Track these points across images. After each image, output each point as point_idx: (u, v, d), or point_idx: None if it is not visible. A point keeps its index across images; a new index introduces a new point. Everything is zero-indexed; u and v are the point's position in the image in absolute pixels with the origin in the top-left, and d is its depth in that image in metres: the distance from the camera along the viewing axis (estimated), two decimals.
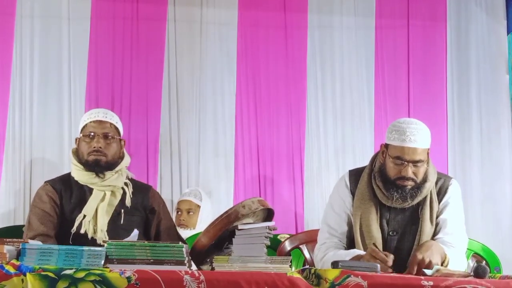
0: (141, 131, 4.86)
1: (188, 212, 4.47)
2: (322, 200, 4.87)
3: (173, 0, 5.01)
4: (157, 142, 4.87)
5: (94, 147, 3.32)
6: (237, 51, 5.06)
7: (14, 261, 2.42)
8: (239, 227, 2.73)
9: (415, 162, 3.14)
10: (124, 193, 3.37)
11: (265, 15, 5.10)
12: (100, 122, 3.38)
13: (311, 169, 4.99)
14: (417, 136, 3.14)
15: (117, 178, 3.36)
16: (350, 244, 3.25)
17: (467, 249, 3.40)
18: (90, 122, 3.38)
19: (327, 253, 3.17)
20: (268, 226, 2.77)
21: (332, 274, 2.51)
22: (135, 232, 3.02)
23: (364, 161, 3.65)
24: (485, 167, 5.08)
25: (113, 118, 3.45)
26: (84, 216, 3.25)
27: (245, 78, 5.04)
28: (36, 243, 2.67)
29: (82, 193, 3.34)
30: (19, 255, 2.47)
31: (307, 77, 5.08)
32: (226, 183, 4.90)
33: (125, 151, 3.48)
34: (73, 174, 3.39)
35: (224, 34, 5.07)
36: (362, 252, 3.09)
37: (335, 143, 5.03)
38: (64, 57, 4.86)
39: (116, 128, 3.43)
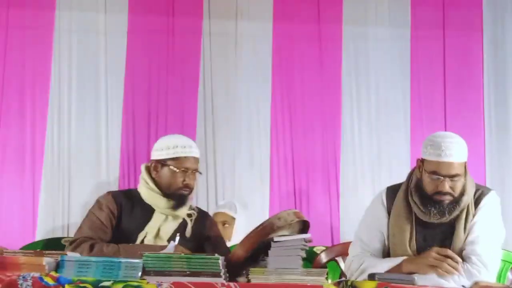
0: None
1: (224, 224, 4.47)
2: (357, 212, 4.79)
3: (208, 13, 5.05)
4: None
5: (187, 184, 3.40)
6: (272, 64, 5.07)
7: (53, 273, 2.45)
8: (275, 239, 2.73)
9: (452, 177, 3.10)
10: (185, 221, 3.43)
11: (300, 27, 5.10)
12: (195, 159, 3.47)
13: (346, 181, 4.96)
14: (453, 150, 3.10)
15: (183, 209, 3.43)
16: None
17: (505, 261, 3.35)
18: (186, 157, 3.43)
19: (364, 261, 3.14)
20: (304, 238, 2.77)
21: (368, 287, 2.49)
22: (172, 244, 3.04)
23: (400, 173, 3.63)
24: None
25: (196, 152, 3.52)
26: (147, 233, 3.32)
27: (280, 91, 5.05)
28: (74, 255, 2.70)
29: (144, 211, 3.39)
30: (58, 267, 2.50)
31: (342, 89, 5.06)
32: (261, 195, 4.90)
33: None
34: (140, 191, 3.45)
35: (259, 46, 5.08)
36: (403, 258, 3.06)
37: (371, 155, 5.00)
38: (101, 71, 4.92)
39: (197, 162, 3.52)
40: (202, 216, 3.55)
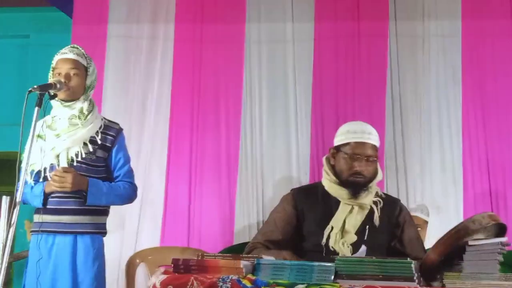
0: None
1: (416, 228, 4.40)
2: None
3: (394, 15, 5.01)
4: (382, 157, 4.86)
5: (356, 170, 3.25)
6: (462, 62, 4.93)
7: (250, 276, 2.55)
8: (470, 243, 2.66)
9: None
10: (372, 210, 3.29)
11: (491, 23, 4.93)
12: (364, 144, 3.28)
13: None
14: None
15: (367, 196, 3.29)
16: None
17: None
18: (356, 142, 3.28)
19: None
20: (501, 242, 2.67)
21: None
22: (363, 248, 3.04)
23: None
24: None
25: (375, 139, 3.33)
26: (332, 228, 3.22)
27: (471, 90, 4.90)
28: (269, 258, 2.79)
29: (329, 203, 3.31)
30: (255, 270, 2.60)
31: None
32: (454, 198, 4.77)
33: (379, 168, 3.37)
34: (324, 183, 3.36)
35: (448, 45, 4.97)
36: None
37: None
38: (290, 78, 5.05)
39: (376, 149, 3.33)
40: (390, 203, 3.38)
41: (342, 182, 3.29)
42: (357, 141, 3.28)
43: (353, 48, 5.03)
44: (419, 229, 4.37)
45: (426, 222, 4.43)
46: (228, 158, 4.97)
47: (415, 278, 2.51)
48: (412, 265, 2.52)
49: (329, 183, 3.34)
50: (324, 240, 3.20)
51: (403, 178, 4.83)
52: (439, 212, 4.65)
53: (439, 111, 4.90)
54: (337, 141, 3.35)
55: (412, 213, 4.44)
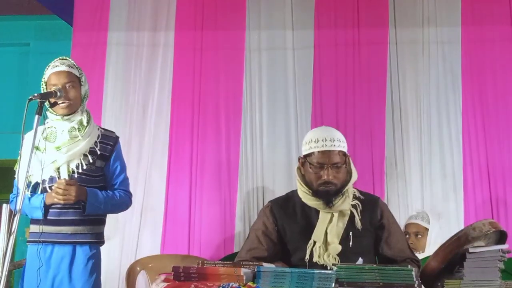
0: (366, 153, 4.88)
1: (416, 235, 4.40)
2: None
3: (394, 22, 5.02)
4: (382, 164, 4.87)
5: (324, 180, 3.16)
6: (462, 69, 4.94)
7: (250, 283, 2.55)
8: (470, 250, 2.66)
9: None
10: (353, 215, 3.21)
11: (490, 29, 4.94)
12: (329, 153, 3.18)
13: None
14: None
15: (344, 201, 3.20)
16: None
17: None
18: (319, 152, 3.19)
19: None
20: (502, 249, 2.67)
21: None
22: (360, 261, 3.02)
23: None
24: None
25: (340, 144, 3.21)
26: (314, 242, 3.15)
27: (471, 96, 4.90)
28: (270, 266, 2.78)
29: (308, 215, 3.24)
30: (255, 277, 2.60)
31: None
32: (455, 205, 4.76)
33: (352, 167, 3.27)
34: (299, 194, 3.28)
35: (448, 52, 4.97)
36: None
37: None
38: (290, 85, 5.05)
39: (344, 154, 3.23)
40: (370, 203, 3.29)
41: (314, 192, 3.21)
42: (321, 149, 3.19)
43: (353, 55, 5.03)
44: (419, 236, 4.38)
45: (427, 229, 4.41)
46: (229, 165, 4.97)
47: (416, 285, 2.51)
48: (413, 273, 2.52)
49: (303, 194, 3.27)
50: (307, 256, 3.15)
51: (403, 184, 4.83)
52: (439, 219, 4.64)
53: (439, 118, 4.90)
54: (304, 151, 3.28)
55: (413, 220, 4.45)
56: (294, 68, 5.05)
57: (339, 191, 3.20)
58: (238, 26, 5.11)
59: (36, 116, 3.04)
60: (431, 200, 4.79)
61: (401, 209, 4.76)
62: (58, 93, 3.31)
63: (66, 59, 3.53)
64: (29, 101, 3.06)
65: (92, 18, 5.23)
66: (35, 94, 3.13)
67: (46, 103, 3.27)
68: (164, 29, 5.17)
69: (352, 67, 5.02)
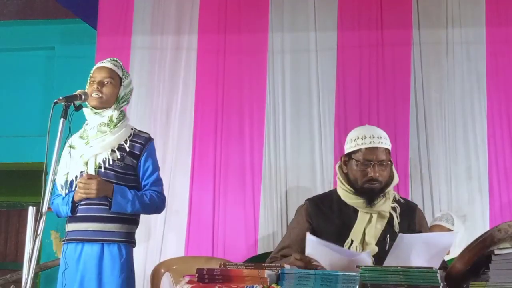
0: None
1: None
2: None
3: (418, 23, 5.00)
4: (407, 166, 4.84)
5: (371, 176, 3.16)
6: (487, 69, 4.90)
7: (274, 285, 2.54)
8: (496, 252, 2.63)
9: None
10: (392, 217, 3.21)
11: None
12: (375, 149, 3.19)
13: None
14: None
15: (385, 202, 3.20)
16: None
17: None
18: (366, 148, 3.19)
19: None
20: None
21: None
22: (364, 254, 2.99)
23: None
24: None
25: (386, 142, 3.23)
26: (352, 241, 3.14)
27: (497, 96, 4.87)
28: (293, 268, 2.78)
29: (346, 214, 3.22)
30: (279, 279, 2.60)
31: None
32: (480, 207, 4.73)
33: (394, 170, 3.27)
34: (339, 192, 3.28)
35: (472, 53, 4.94)
36: None
37: None
38: (313, 87, 5.04)
39: (389, 152, 3.23)
40: (409, 209, 3.29)
41: (357, 190, 3.20)
42: (368, 146, 3.20)
43: (377, 57, 5.02)
44: None
45: (452, 231, 4.39)
46: (252, 167, 4.98)
47: (440, 287, 2.49)
48: (438, 274, 2.50)
49: (344, 192, 3.26)
50: None
51: (428, 186, 4.80)
52: (465, 221, 4.61)
53: (464, 119, 4.87)
54: (348, 148, 3.28)
55: (437, 222, 4.43)
56: (317, 70, 5.05)
57: (382, 190, 3.19)
58: (261, 28, 5.12)
59: (61, 120, 3.07)
60: (456, 203, 4.75)
61: (426, 211, 4.72)
62: (83, 96, 3.33)
63: (115, 60, 3.60)
64: (54, 105, 3.08)
65: (117, 22, 5.27)
66: (60, 98, 3.16)
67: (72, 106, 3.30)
68: (187, 32, 5.20)
69: (376, 68, 5.01)
